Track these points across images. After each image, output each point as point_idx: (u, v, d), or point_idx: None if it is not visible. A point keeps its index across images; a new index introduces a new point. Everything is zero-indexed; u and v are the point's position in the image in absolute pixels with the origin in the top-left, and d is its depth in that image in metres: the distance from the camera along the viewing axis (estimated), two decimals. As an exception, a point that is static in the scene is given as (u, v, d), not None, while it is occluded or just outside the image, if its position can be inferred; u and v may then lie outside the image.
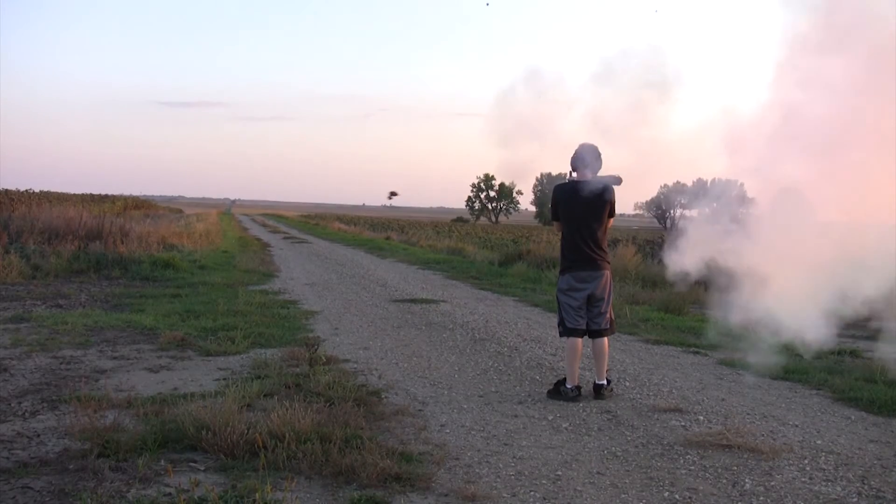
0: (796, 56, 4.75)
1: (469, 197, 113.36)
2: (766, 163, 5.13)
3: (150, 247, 14.15)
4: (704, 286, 10.32)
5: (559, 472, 3.64)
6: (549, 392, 5.14)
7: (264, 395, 4.68)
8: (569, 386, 5.04)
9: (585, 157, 5.12)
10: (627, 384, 5.56)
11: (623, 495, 3.38)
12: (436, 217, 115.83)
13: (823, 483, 3.60)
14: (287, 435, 3.68)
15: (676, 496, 3.38)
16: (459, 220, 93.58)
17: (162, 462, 3.51)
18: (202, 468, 3.49)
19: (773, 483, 3.56)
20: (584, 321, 5.09)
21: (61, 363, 5.58)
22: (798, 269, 4.76)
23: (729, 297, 5.13)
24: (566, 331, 5.11)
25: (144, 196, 70.90)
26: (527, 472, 3.64)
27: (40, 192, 41.02)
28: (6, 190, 34.76)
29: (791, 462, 3.88)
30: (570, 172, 5.23)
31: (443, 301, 10.26)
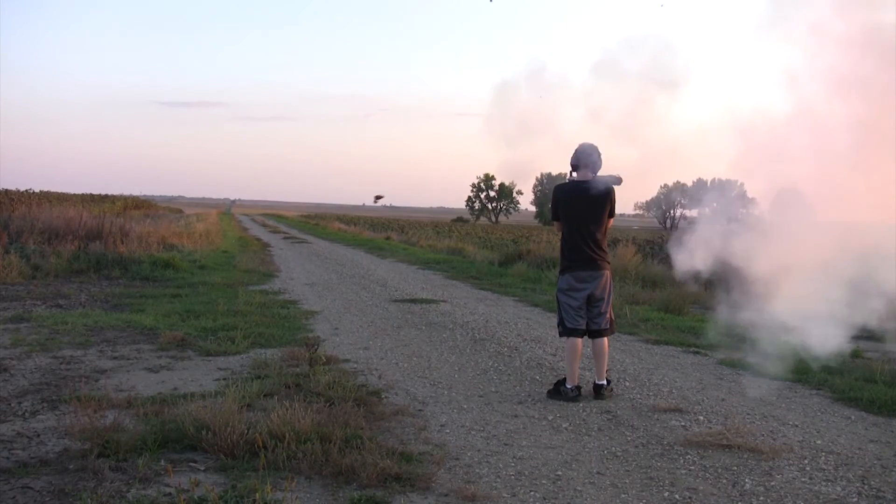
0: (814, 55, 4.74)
1: (469, 197, 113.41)
2: (776, 162, 5.12)
3: (150, 247, 14.15)
4: (705, 286, 10.34)
5: (559, 472, 3.64)
6: (549, 392, 5.14)
7: (264, 395, 4.68)
8: (569, 386, 5.04)
9: (585, 156, 5.12)
10: (627, 384, 5.56)
11: (623, 495, 3.38)
12: (436, 217, 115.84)
13: (823, 483, 3.60)
14: (287, 435, 3.68)
15: (676, 496, 3.38)
16: (459, 220, 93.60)
17: (162, 462, 3.51)
18: (202, 468, 3.49)
19: (773, 483, 3.56)
20: (583, 321, 5.09)
21: (61, 363, 5.59)
22: (809, 271, 4.74)
23: (735, 297, 5.13)
24: (566, 331, 5.11)
25: (144, 196, 70.93)
26: (527, 472, 3.64)
27: (40, 192, 41.02)
28: (6, 190, 34.77)
29: (791, 462, 3.88)
30: (571, 172, 5.23)
31: (443, 301, 10.26)
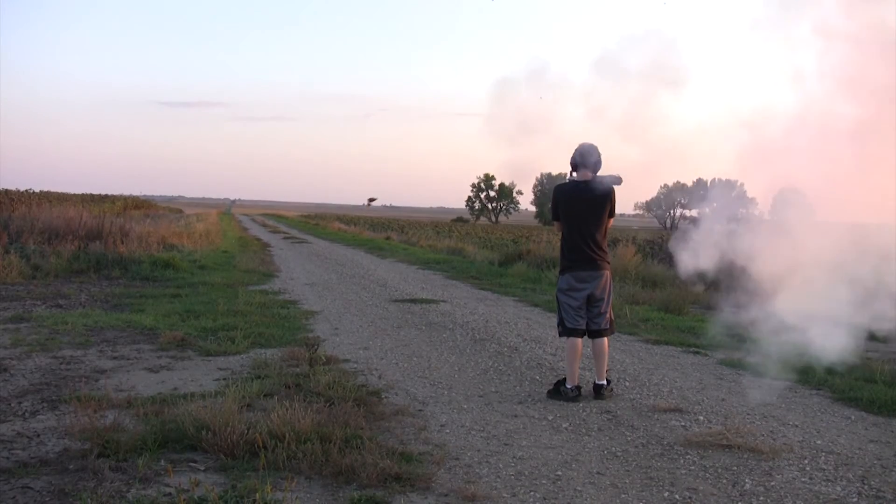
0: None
1: (469, 197, 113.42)
2: (780, 161, 5.11)
3: (150, 247, 14.15)
4: (710, 286, 10.33)
5: (559, 472, 3.64)
6: (549, 392, 5.14)
7: (264, 395, 4.68)
8: (569, 386, 5.04)
9: (585, 156, 5.12)
10: (627, 384, 5.56)
11: (623, 495, 3.38)
12: (436, 217, 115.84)
13: (823, 483, 3.60)
14: (287, 435, 3.68)
15: (676, 496, 3.38)
16: (459, 220, 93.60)
17: (162, 462, 3.51)
18: (202, 468, 3.49)
19: (773, 483, 3.56)
20: (583, 321, 5.09)
21: (61, 363, 5.58)
22: (813, 271, 4.73)
23: (739, 297, 5.13)
24: (566, 331, 5.11)
25: (144, 196, 70.93)
26: (527, 472, 3.64)
27: (40, 192, 41.04)
28: (6, 190, 34.79)
29: (791, 462, 3.88)
30: (571, 172, 5.23)
31: (443, 301, 10.26)
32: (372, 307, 9.44)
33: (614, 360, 6.30)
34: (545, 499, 3.31)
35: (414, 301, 10.14)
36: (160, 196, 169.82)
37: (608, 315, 5.15)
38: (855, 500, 3.41)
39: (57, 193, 44.89)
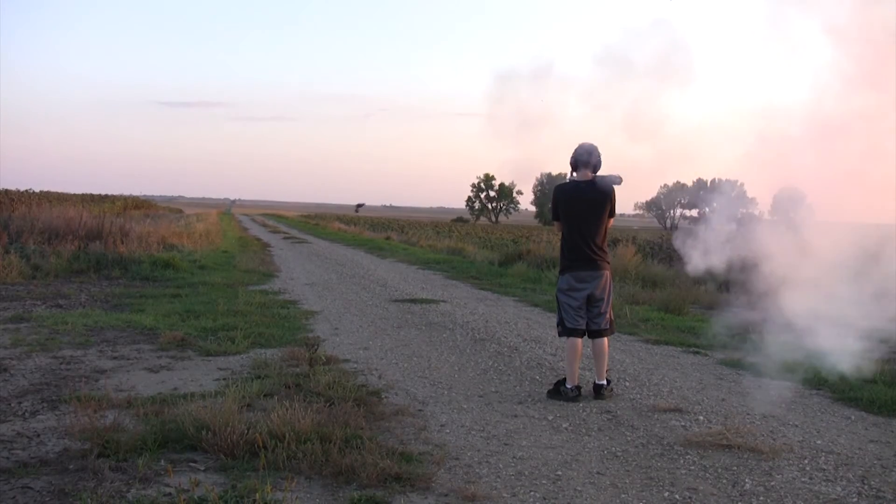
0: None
1: (469, 197, 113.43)
2: (788, 160, 5.11)
3: (150, 247, 14.15)
4: (721, 286, 10.33)
5: (559, 472, 3.64)
6: (549, 392, 5.14)
7: (264, 395, 4.68)
8: (569, 386, 5.04)
9: (585, 156, 5.12)
10: (627, 384, 5.56)
11: (623, 495, 3.38)
12: (436, 217, 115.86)
13: (823, 483, 3.60)
14: (287, 435, 3.68)
15: (676, 496, 3.38)
16: (459, 220, 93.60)
17: (162, 462, 3.51)
18: (202, 468, 3.49)
19: (773, 483, 3.56)
20: (583, 321, 5.09)
21: (61, 363, 5.58)
22: (821, 272, 4.72)
23: (743, 297, 5.13)
24: (566, 331, 5.11)
25: (144, 196, 70.93)
26: (527, 472, 3.64)
27: (40, 192, 41.06)
28: (6, 190, 34.81)
29: (791, 462, 3.88)
30: (571, 172, 5.23)
31: (443, 301, 10.26)
32: (372, 307, 9.44)
33: (614, 360, 6.30)
34: (545, 499, 3.31)
35: (414, 301, 10.14)
36: (160, 196, 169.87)
37: (608, 315, 5.15)
38: (855, 500, 3.41)
39: (57, 193, 44.90)
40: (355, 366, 5.89)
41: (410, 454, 3.72)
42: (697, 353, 6.93)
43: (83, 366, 5.54)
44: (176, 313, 7.95)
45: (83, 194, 51.85)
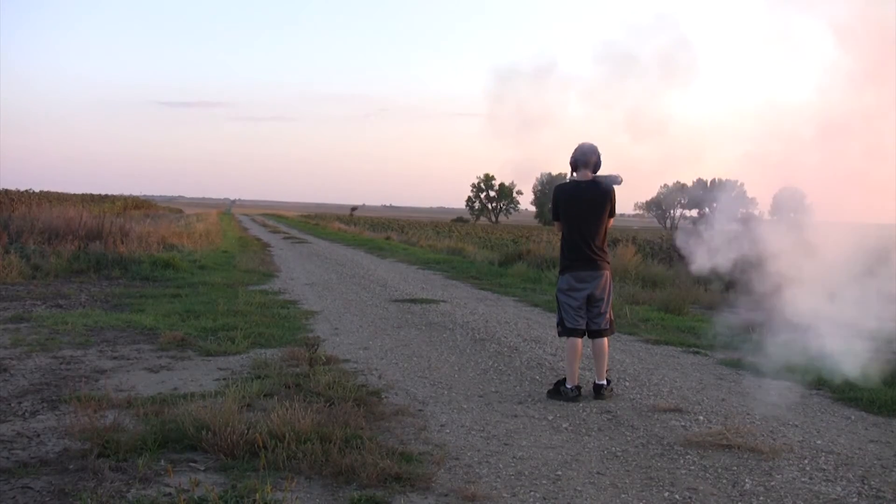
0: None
1: (469, 197, 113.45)
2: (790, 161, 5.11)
3: (150, 247, 14.15)
4: (723, 284, 10.33)
5: (559, 472, 3.64)
6: (549, 392, 5.14)
7: (264, 395, 4.68)
8: (569, 386, 5.04)
9: (585, 156, 5.12)
10: (627, 384, 5.56)
11: (623, 495, 3.38)
12: (436, 217, 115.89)
13: (823, 483, 3.60)
14: (287, 435, 3.68)
15: (676, 496, 3.38)
16: (459, 220, 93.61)
17: (162, 462, 3.51)
18: (202, 468, 3.49)
19: (773, 483, 3.56)
20: (583, 321, 5.09)
21: (61, 363, 5.58)
22: (825, 272, 4.71)
23: (746, 297, 5.12)
24: (566, 331, 5.11)
25: (144, 196, 70.95)
26: (527, 472, 3.64)
27: (40, 192, 41.06)
28: (6, 190, 34.81)
29: (791, 462, 3.88)
30: (571, 172, 5.23)
31: (443, 301, 10.26)
32: (372, 307, 9.44)
33: (614, 360, 6.30)
34: (545, 499, 3.31)
35: (414, 301, 10.14)
36: (160, 196, 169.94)
37: (608, 315, 5.15)
38: (855, 500, 3.41)
39: (57, 193, 44.90)
40: (355, 366, 5.89)
41: (410, 454, 3.72)
42: (697, 353, 6.93)
43: (83, 366, 5.54)
44: (176, 313, 7.95)
45: (83, 194, 51.86)
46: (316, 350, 5.50)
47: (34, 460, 3.52)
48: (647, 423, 4.54)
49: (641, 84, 5.34)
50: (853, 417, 4.81)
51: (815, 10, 4.83)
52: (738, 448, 4.04)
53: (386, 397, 4.90)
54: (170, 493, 3.13)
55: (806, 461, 3.90)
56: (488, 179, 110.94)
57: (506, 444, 4.04)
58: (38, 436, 3.89)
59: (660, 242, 21.98)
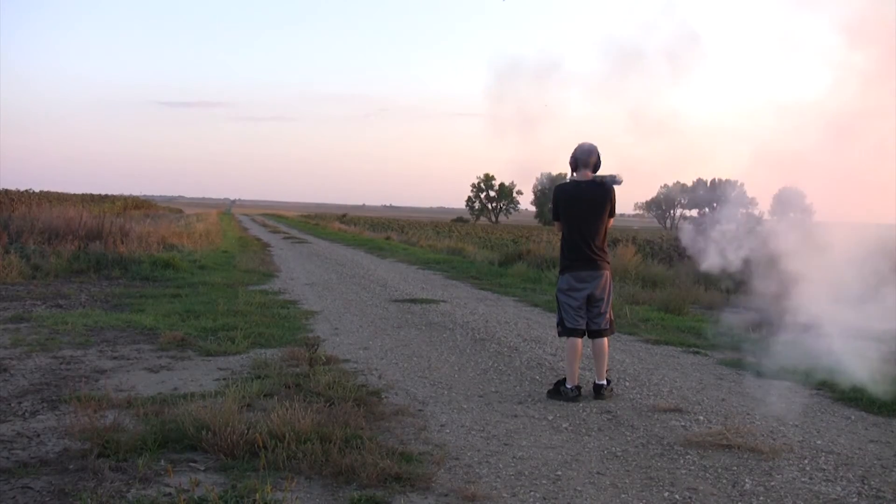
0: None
1: (469, 197, 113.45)
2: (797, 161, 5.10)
3: (150, 247, 14.15)
4: (734, 283, 10.33)
5: (559, 472, 3.64)
6: (549, 392, 5.14)
7: (264, 395, 4.68)
8: (569, 386, 5.04)
9: (585, 156, 5.12)
10: (627, 384, 5.56)
11: (623, 495, 3.38)
12: (436, 217, 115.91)
13: (823, 483, 3.59)
14: (287, 435, 3.68)
15: (676, 496, 3.38)
16: (459, 220, 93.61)
17: (162, 462, 3.51)
18: (202, 468, 3.49)
19: (773, 483, 3.56)
20: (583, 321, 5.09)
21: (61, 363, 5.58)
22: (832, 272, 4.70)
23: (755, 298, 5.11)
24: (566, 331, 5.11)
25: (144, 196, 70.94)
26: (527, 472, 3.64)
27: (40, 192, 41.05)
28: (6, 190, 34.81)
29: (791, 462, 3.88)
30: (571, 172, 5.23)
31: (443, 301, 10.26)
32: (372, 307, 9.44)
33: (614, 360, 6.30)
34: (545, 499, 3.31)
35: (414, 301, 10.14)
36: (160, 196, 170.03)
37: (608, 315, 5.15)
38: (855, 500, 3.41)
39: (57, 193, 44.90)
40: (355, 366, 5.89)
41: (410, 454, 3.72)
42: (697, 353, 6.93)
43: (83, 366, 5.54)
44: (176, 313, 7.95)
45: (83, 194, 51.86)
46: (316, 350, 5.50)
47: (34, 460, 3.52)
48: (647, 423, 4.54)
49: (644, 83, 5.34)
50: (853, 417, 4.81)
51: (820, 9, 4.83)
52: (738, 448, 4.04)
53: (386, 397, 4.90)
54: (170, 493, 3.12)
55: (806, 461, 3.90)
56: (488, 179, 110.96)
57: (506, 444, 4.04)
58: (38, 436, 3.89)
59: (660, 242, 21.99)
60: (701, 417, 4.69)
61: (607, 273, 5.14)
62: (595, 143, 5.18)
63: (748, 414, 4.78)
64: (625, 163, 5.41)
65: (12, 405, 4.44)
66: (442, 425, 4.36)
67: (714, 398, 5.19)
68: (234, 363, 5.78)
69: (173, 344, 6.35)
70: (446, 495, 3.29)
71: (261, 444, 3.58)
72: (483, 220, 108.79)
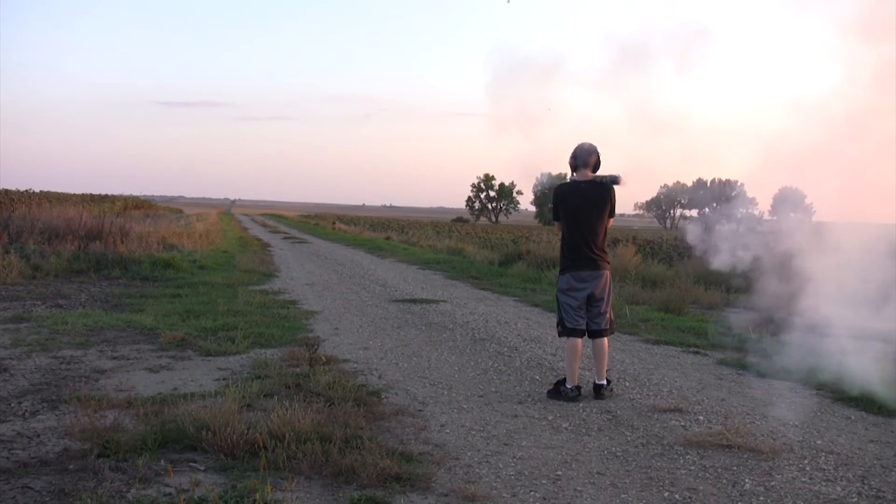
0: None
1: (469, 197, 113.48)
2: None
3: (150, 247, 14.15)
4: (745, 282, 10.34)
5: (559, 472, 3.64)
6: (549, 392, 5.14)
7: (264, 395, 4.68)
8: (569, 386, 5.04)
9: (585, 156, 5.12)
10: (627, 384, 5.56)
11: (623, 495, 3.38)
12: (436, 217, 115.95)
13: (823, 483, 3.59)
14: (287, 435, 3.68)
15: (676, 496, 3.38)
16: (459, 220, 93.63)
17: (162, 462, 3.51)
18: (202, 468, 3.49)
19: (773, 483, 3.56)
20: (583, 321, 5.09)
21: (61, 363, 5.58)
22: (838, 272, 4.69)
23: (757, 298, 5.10)
24: (565, 331, 5.11)
25: (144, 196, 70.93)
26: (527, 472, 3.64)
27: (40, 192, 41.03)
28: (6, 190, 34.78)
29: (791, 462, 3.88)
30: (571, 172, 5.23)
31: (443, 301, 10.26)
32: (372, 307, 9.44)
33: (614, 360, 6.30)
34: (545, 499, 3.31)
35: (414, 301, 10.14)
36: (160, 196, 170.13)
37: (608, 315, 5.15)
38: (855, 500, 3.41)
39: (57, 193, 44.88)
40: (355, 366, 5.89)
41: (410, 454, 3.72)
42: (697, 353, 6.93)
43: (83, 366, 5.54)
44: (176, 313, 7.95)
45: (83, 194, 51.85)
46: (316, 350, 5.50)
47: (34, 460, 3.51)
48: (647, 423, 4.54)
49: (648, 80, 5.34)
50: (853, 417, 4.81)
51: (824, 7, 4.82)
52: (738, 448, 4.04)
53: (386, 397, 4.90)
54: (170, 493, 3.12)
55: (806, 461, 3.90)
56: (488, 179, 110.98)
57: (506, 444, 4.04)
58: (38, 436, 3.89)
59: (660, 242, 21.98)
60: (701, 417, 4.69)
61: (607, 273, 5.14)
62: (595, 143, 5.18)
63: (748, 414, 4.78)
64: (628, 162, 5.41)
65: (12, 405, 4.44)
66: (442, 425, 4.36)
67: (714, 398, 5.19)
68: (234, 363, 5.78)
69: (173, 344, 6.35)
70: (446, 495, 3.29)
71: (261, 444, 3.58)
72: (483, 220, 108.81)
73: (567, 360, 5.11)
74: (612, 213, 5.15)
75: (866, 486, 3.56)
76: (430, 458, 3.72)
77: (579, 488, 3.44)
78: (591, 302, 5.09)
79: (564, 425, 4.46)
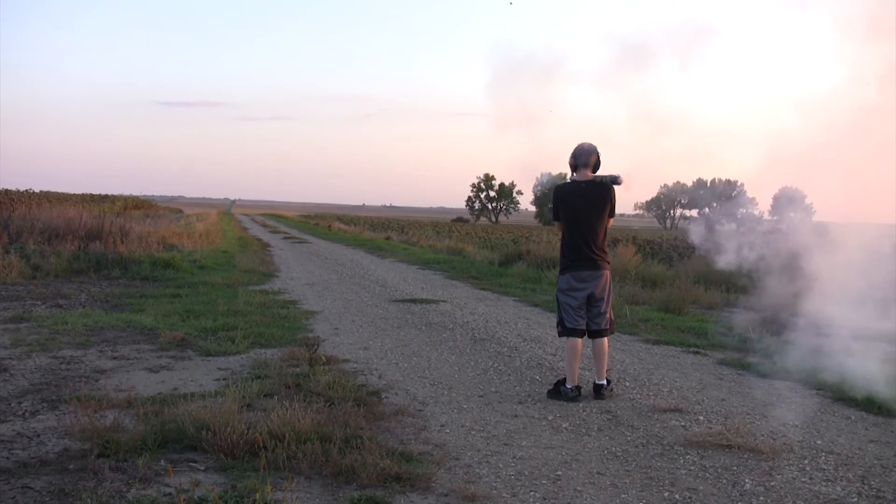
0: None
1: (469, 197, 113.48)
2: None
3: (150, 247, 14.15)
4: (750, 281, 10.34)
5: (559, 472, 3.64)
6: (549, 392, 5.14)
7: (264, 395, 4.68)
8: (569, 386, 5.04)
9: (585, 156, 5.12)
10: (627, 384, 5.56)
11: (623, 495, 3.38)
12: (436, 217, 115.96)
13: (823, 483, 3.59)
14: (287, 435, 3.68)
15: (676, 496, 3.38)
16: (459, 220, 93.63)
17: (162, 462, 3.51)
18: (202, 468, 3.49)
19: (773, 483, 3.56)
20: (583, 321, 5.09)
21: (61, 363, 5.58)
22: (841, 273, 4.68)
23: (759, 298, 5.10)
24: (565, 331, 5.11)
25: (144, 196, 70.91)
26: (527, 472, 3.64)
27: (40, 192, 41.04)
28: (6, 190, 34.76)
29: (791, 462, 3.88)
30: (571, 172, 5.23)
31: (443, 301, 10.26)
32: (372, 307, 9.44)
33: (614, 360, 6.30)
34: (545, 499, 3.31)
35: (414, 301, 10.14)
36: (160, 196, 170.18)
37: (608, 315, 5.15)
38: (855, 500, 3.41)
39: (57, 193, 44.90)
40: (355, 366, 5.89)
41: (410, 454, 3.72)
42: (697, 353, 6.93)
43: (83, 366, 5.54)
44: (176, 313, 7.95)
45: (83, 194, 51.85)
46: (316, 350, 5.50)
47: (34, 460, 3.51)
48: (647, 423, 4.54)
49: (650, 79, 5.35)
50: (853, 417, 4.81)
51: (823, 7, 4.83)
52: (738, 448, 4.04)
53: (386, 397, 4.90)
54: (170, 493, 3.12)
55: (806, 461, 3.90)
56: (488, 179, 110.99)
57: (506, 444, 4.04)
58: (38, 436, 3.89)
59: (660, 242, 21.99)
60: (701, 417, 4.69)
61: (607, 273, 5.14)
62: (595, 143, 5.18)
63: (748, 414, 4.78)
64: (629, 163, 5.41)
65: (12, 405, 4.44)
66: (442, 425, 4.36)
67: (714, 398, 5.19)
68: (234, 363, 5.78)
69: (173, 344, 6.35)
70: (446, 495, 3.29)
71: (261, 444, 3.58)
72: (483, 220, 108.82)
73: (567, 360, 5.11)
74: (612, 213, 5.15)
75: (866, 486, 3.56)
76: (430, 458, 3.72)
77: (579, 488, 3.44)
78: (591, 302, 5.09)
79: (564, 425, 4.46)
